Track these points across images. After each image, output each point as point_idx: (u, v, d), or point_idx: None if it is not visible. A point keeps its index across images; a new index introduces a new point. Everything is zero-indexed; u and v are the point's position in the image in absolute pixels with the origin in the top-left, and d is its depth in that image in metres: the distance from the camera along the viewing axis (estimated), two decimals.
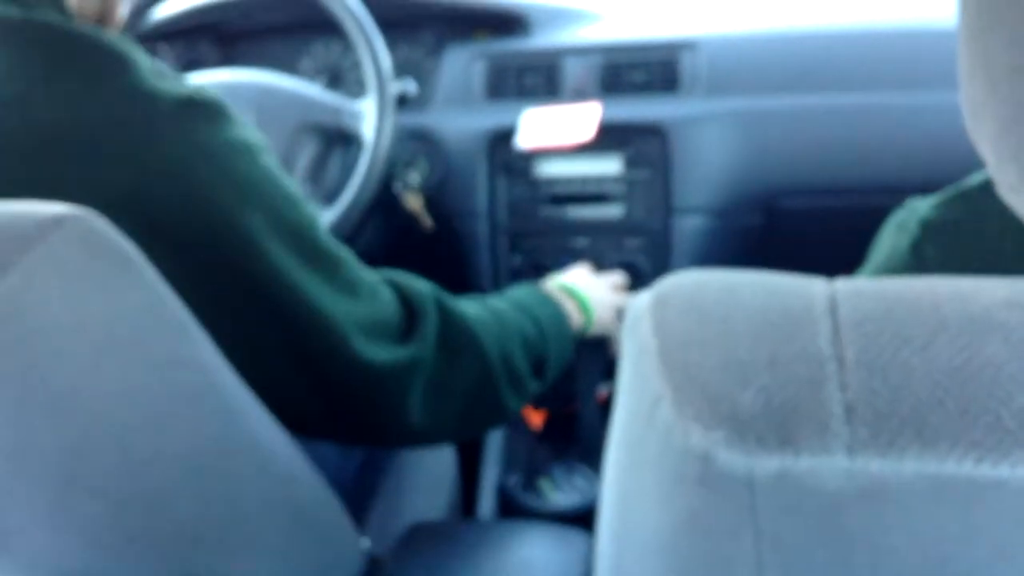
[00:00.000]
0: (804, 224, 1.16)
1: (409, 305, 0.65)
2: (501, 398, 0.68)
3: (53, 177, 0.49)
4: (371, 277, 0.64)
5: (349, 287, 0.60)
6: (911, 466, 0.27)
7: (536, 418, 1.21)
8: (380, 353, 0.59)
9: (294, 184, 0.60)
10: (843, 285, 0.30)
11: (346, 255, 0.62)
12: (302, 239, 0.58)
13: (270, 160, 0.59)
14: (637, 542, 0.32)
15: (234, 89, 1.08)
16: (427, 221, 1.22)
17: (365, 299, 0.61)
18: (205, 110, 0.56)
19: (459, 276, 1.26)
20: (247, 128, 0.59)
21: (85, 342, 0.38)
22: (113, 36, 0.57)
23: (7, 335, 0.35)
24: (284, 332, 0.56)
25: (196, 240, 0.51)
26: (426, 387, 0.62)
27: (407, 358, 0.61)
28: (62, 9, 0.59)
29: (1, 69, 0.53)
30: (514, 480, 0.85)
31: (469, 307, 0.69)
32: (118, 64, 0.55)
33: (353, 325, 0.59)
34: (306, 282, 0.57)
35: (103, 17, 0.67)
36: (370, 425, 0.62)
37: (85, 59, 0.54)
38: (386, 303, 0.63)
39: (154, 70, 0.57)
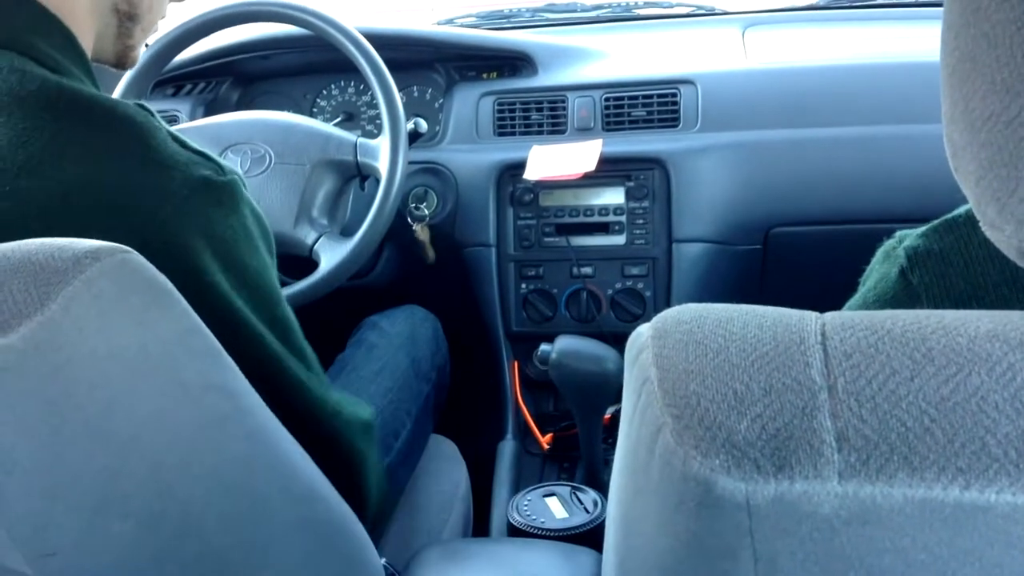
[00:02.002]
0: (800, 251, 1.18)
1: None
2: None
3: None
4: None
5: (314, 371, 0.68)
6: (900, 491, 0.28)
7: (544, 440, 1.23)
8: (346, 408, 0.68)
9: (275, 278, 0.65)
10: (833, 318, 0.32)
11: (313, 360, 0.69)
12: (284, 334, 0.63)
13: (265, 248, 0.62)
14: (640, 563, 0.33)
15: (254, 127, 1.11)
16: (430, 253, 1.25)
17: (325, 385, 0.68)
18: (219, 193, 0.56)
19: (469, 305, 1.28)
20: (254, 213, 0.60)
21: (120, 369, 0.39)
22: (131, 104, 0.57)
23: (46, 363, 0.37)
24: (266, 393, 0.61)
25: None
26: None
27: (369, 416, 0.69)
28: (86, 68, 0.59)
29: (16, 134, 0.53)
30: (524, 500, 0.87)
31: None
32: (135, 134, 0.55)
33: (326, 395, 0.66)
34: (285, 359, 0.63)
35: (121, 60, 0.68)
36: (342, 472, 0.67)
37: (102, 127, 0.54)
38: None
39: (173, 141, 0.56)
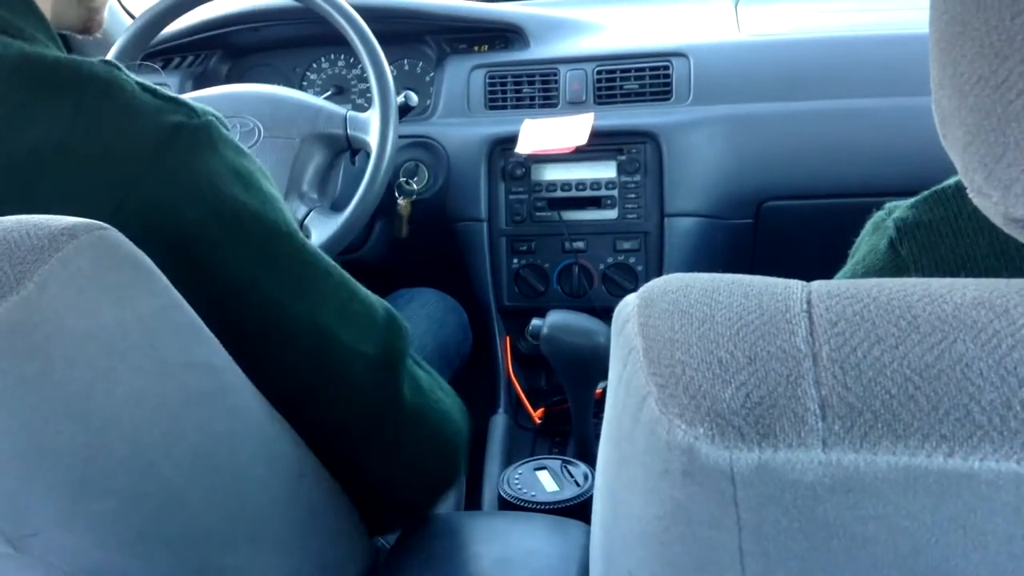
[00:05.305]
0: (792, 225, 1.18)
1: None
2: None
3: (30, 206, 0.46)
4: (367, 294, 0.64)
5: (345, 303, 0.60)
6: (884, 459, 0.28)
7: (535, 414, 1.24)
8: (371, 348, 0.60)
9: (287, 211, 0.59)
10: (818, 286, 0.32)
11: (345, 276, 0.62)
12: (297, 264, 0.57)
13: (264, 185, 0.57)
14: (626, 532, 0.33)
15: (243, 100, 1.10)
16: (404, 229, 1.24)
17: (361, 313, 0.61)
18: (193, 137, 0.53)
19: (461, 279, 1.28)
20: (237, 151, 0.56)
21: (99, 348, 0.39)
22: (96, 62, 0.54)
23: (24, 342, 0.36)
24: (290, 351, 0.55)
25: (178, 277, 0.46)
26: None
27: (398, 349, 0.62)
28: (48, 33, 0.57)
29: None
30: (515, 473, 0.87)
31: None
32: (102, 90, 0.52)
33: (352, 336, 0.59)
34: (304, 307, 0.56)
35: (87, 25, 0.66)
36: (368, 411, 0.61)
37: (68, 88, 0.52)
38: (374, 312, 0.63)
39: (143, 92, 0.54)
